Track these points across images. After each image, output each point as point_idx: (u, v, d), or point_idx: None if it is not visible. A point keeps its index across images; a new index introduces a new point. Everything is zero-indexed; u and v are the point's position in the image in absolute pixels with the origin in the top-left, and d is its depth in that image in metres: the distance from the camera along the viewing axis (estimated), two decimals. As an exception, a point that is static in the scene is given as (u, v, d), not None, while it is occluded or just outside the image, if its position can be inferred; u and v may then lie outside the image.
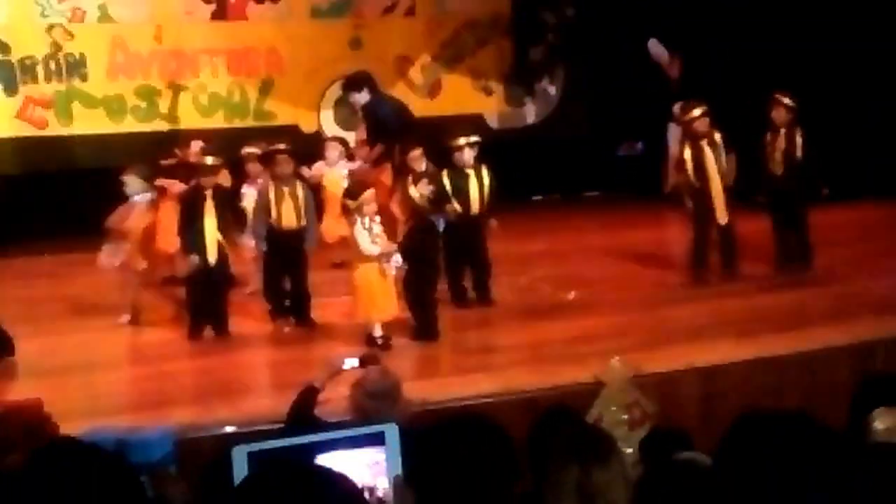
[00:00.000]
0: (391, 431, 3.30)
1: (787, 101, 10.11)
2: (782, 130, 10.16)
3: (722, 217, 9.95)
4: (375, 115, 10.68)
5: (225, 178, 9.55)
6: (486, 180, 9.51)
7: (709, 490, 3.00)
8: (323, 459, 3.30)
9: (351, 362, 5.40)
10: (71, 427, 6.28)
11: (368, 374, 5.22)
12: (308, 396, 5.26)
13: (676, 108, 10.12)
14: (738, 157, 10.04)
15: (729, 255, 10.10)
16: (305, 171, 10.18)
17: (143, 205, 9.27)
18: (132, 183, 9.37)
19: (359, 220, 8.29)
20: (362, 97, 10.77)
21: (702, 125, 9.92)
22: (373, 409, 4.99)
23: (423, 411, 6.27)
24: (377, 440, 3.30)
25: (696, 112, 9.93)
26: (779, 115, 10.15)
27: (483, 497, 3.05)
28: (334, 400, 5.48)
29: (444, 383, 7.64)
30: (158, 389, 7.92)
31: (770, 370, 7.87)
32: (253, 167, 9.91)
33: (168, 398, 7.69)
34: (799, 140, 10.10)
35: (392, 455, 3.26)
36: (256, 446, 3.27)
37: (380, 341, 8.38)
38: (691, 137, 10.00)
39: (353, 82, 11.11)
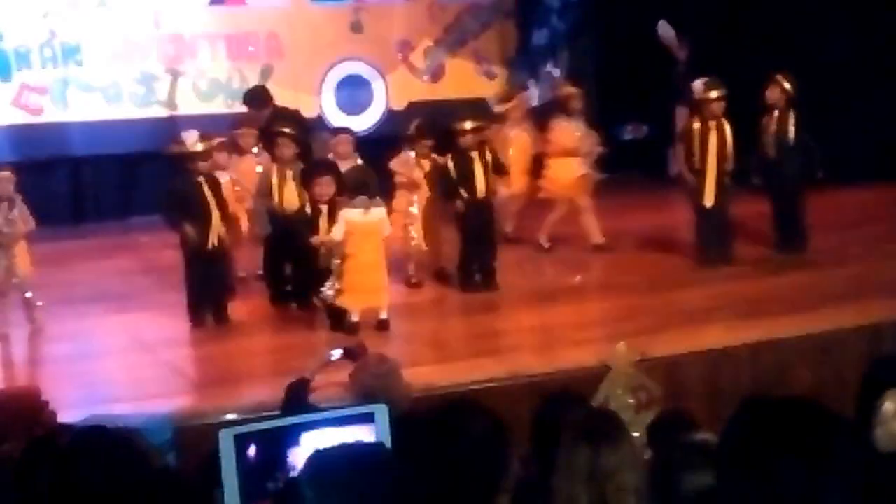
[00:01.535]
0: (380, 412, 3.29)
1: (783, 81, 10.05)
2: (776, 112, 10.10)
3: (708, 199, 9.86)
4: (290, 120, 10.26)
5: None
6: (490, 165, 9.49)
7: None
8: (310, 437, 3.26)
9: (337, 353, 5.37)
10: (70, 415, 6.23)
11: (370, 358, 5.18)
12: (299, 388, 5.21)
13: (698, 83, 10.01)
14: (740, 142, 9.99)
15: (721, 240, 10.01)
16: None
17: (24, 210, 8.84)
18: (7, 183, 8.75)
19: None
20: (265, 113, 10.29)
21: (717, 108, 9.86)
22: (380, 388, 4.94)
23: (426, 396, 6.22)
24: (366, 420, 3.29)
25: (715, 94, 9.85)
26: (773, 95, 10.10)
27: (475, 481, 3.02)
28: (325, 388, 5.41)
29: (451, 368, 7.59)
30: (158, 377, 7.85)
31: (777, 353, 7.81)
32: (219, 157, 9.50)
33: (168, 386, 7.63)
34: (792, 121, 10.03)
35: (382, 435, 3.25)
36: (243, 429, 3.27)
37: (385, 323, 8.38)
38: (702, 117, 9.91)
39: (256, 99, 10.64)
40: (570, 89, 11.02)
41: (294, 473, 3.22)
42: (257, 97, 10.63)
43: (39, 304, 8.78)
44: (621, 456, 3.50)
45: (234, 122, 10.29)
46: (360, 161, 9.54)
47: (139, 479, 3.36)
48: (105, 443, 3.46)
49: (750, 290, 9.18)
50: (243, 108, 13.08)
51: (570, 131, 10.70)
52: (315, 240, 8.38)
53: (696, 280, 9.50)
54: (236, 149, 9.83)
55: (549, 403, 4.84)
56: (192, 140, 8.89)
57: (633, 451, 3.64)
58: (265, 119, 10.08)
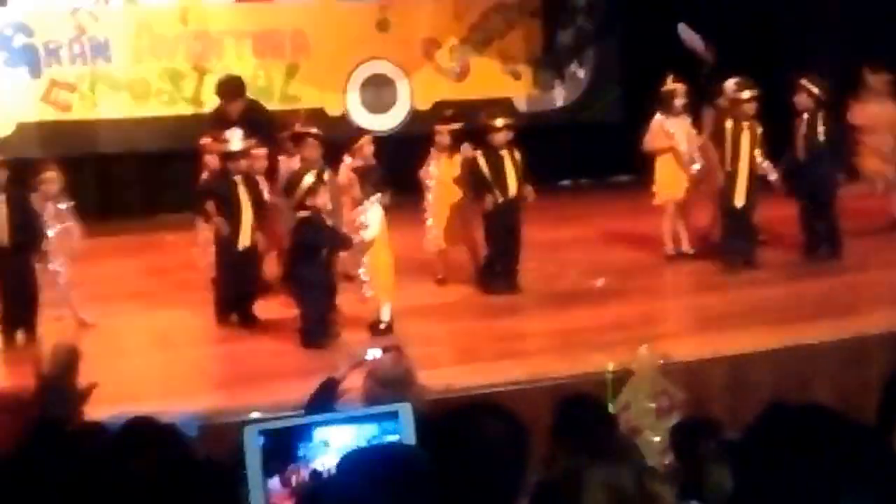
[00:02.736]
0: (405, 411, 3.30)
1: (810, 86, 10.01)
2: (805, 115, 10.06)
3: (739, 199, 9.83)
4: (258, 119, 10.03)
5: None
6: (520, 164, 9.47)
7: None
8: (321, 432, 3.28)
9: (374, 352, 5.29)
10: (96, 412, 6.26)
11: (380, 363, 5.13)
12: (328, 389, 5.16)
13: (730, 83, 9.96)
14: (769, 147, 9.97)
15: (748, 244, 9.97)
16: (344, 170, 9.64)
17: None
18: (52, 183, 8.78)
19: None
20: (239, 105, 10.17)
21: (749, 108, 9.82)
22: (385, 397, 4.91)
23: (445, 398, 6.22)
24: (390, 418, 3.31)
25: (747, 94, 9.82)
26: (801, 100, 10.05)
27: (495, 483, 3.02)
28: (354, 390, 5.38)
29: (472, 370, 7.58)
30: (183, 374, 7.90)
31: (800, 359, 7.77)
32: (211, 159, 9.42)
33: (193, 383, 7.66)
34: (821, 125, 9.99)
35: (406, 435, 3.27)
36: (268, 425, 3.30)
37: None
38: (734, 117, 9.87)
39: (232, 90, 10.39)
40: (673, 85, 10.42)
41: (305, 468, 3.26)
42: (231, 89, 10.40)
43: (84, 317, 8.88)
44: (632, 469, 3.51)
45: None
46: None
47: (183, 470, 3.41)
48: (153, 433, 3.52)
49: (774, 295, 9.13)
50: (268, 107, 13.20)
51: (673, 130, 10.34)
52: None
53: (721, 284, 9.45)
54: (284, 150, 9.64)
55: (563, 410, 4.86)
56: (235, 139, 8.91)
57: (643, 463, 3.64)
58: (238, 113, 10.03)
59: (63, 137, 12.50)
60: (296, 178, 8.61)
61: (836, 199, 10.10)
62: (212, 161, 9.41)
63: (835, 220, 10.14)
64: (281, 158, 9.61)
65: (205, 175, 9.51)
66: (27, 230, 8.54)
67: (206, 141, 9.59)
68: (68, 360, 5.66)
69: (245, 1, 13.55)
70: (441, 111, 11.03)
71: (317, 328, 8.29)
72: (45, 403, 4.94)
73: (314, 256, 8.31)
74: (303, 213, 8.29)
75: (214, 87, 10.71)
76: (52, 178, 8.80)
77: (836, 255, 10.04)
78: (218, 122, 10.09)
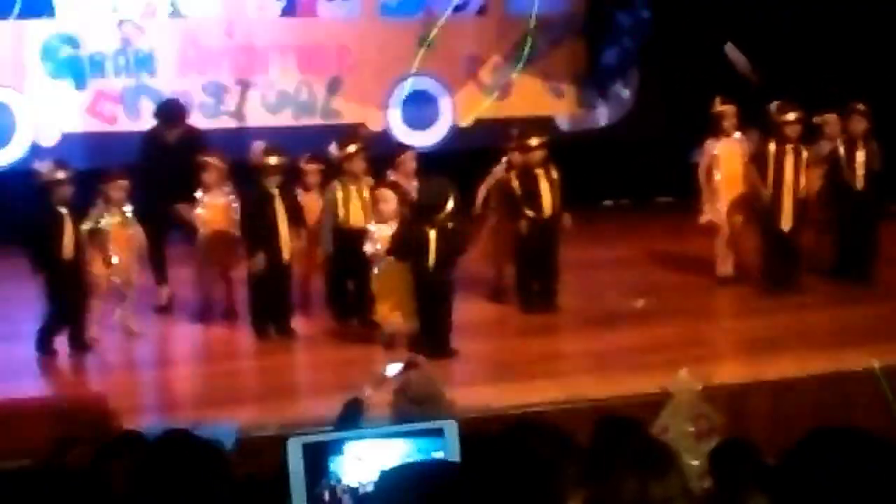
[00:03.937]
0: (450, 428, 3.29)
1: (863, 110, 9.94)
2: (860, 141, 9.97)
3: (786, 222, 9.74)
4: (194, 146, 9.83)
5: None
6: (557, 182, 9.42)
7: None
8: (353, 447, 3.27)
9: (394, 368, 5.29)
10: (135, 422, 6.30)
11: (411, 380, 5.12)
12: (353, 408, 5.15)
13: (773, 105, 9.88)
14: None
15: (791, 268, 9.87)
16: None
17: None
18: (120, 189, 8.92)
19: None
20: (177, 131, 10.04)
21: (793, 131, 9.74)
22: (414, 413, 4.90)
23: (482, 417, 6.20)
24: (435, 435, 3.31)
25: (791, 116, 9.73)
26: (855, 125, 9.97)
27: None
28: (379, 406, 5.36)
29: (508, 389, 7.55)
30: (222, 387, 7.91)
31: (842, 385, 7.68)
32: (208, 177, 9.30)
33: (231, 396, 7.68)
34: (877, 151, 9.93)
35: (451, 452, 3.26)
36: (312, 438, 3.30)
37: None
38: (778, 139, 9.78)
39: (172, 114, 10.23)
40: (722, 106, 10.28)
41: (336, 483, 3.25)
42: (171, 113, 10.24)
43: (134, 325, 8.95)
44: (670, 487, 3.47)
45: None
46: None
47: (222, 486, 3.41)
48: (191, 447, 3.53)
49: (816, 320, 9.05)
50: (310, 122, 13.27)
51: (721, 152, 10.24)
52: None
53: (762, 308, 9.36)
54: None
55: (601, 430, 4.82)
56: (258, 151, 8.91)
57: (682, 482, 3.60)
58: (175, 138, 9.89)
59: (108, 149, 12.55)
60: (435, 198, 8.45)
61: (880, 226, 10.04)
62: (209, 178, 9.28)
63: (875, 245, 10.04)
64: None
65: (199, 193, 9.33)
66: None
67: (206, 159, 9.39)
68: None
69: (290, 16, 13.60)
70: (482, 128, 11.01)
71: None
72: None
73: (453, 264, 8.45)
74: (450, 224, 8.28)
75: (154, 109, 10.57)
76: (122, 186, 8.88)
77: (870, 280, 9.95)
78: (152, 144, 10.00)
